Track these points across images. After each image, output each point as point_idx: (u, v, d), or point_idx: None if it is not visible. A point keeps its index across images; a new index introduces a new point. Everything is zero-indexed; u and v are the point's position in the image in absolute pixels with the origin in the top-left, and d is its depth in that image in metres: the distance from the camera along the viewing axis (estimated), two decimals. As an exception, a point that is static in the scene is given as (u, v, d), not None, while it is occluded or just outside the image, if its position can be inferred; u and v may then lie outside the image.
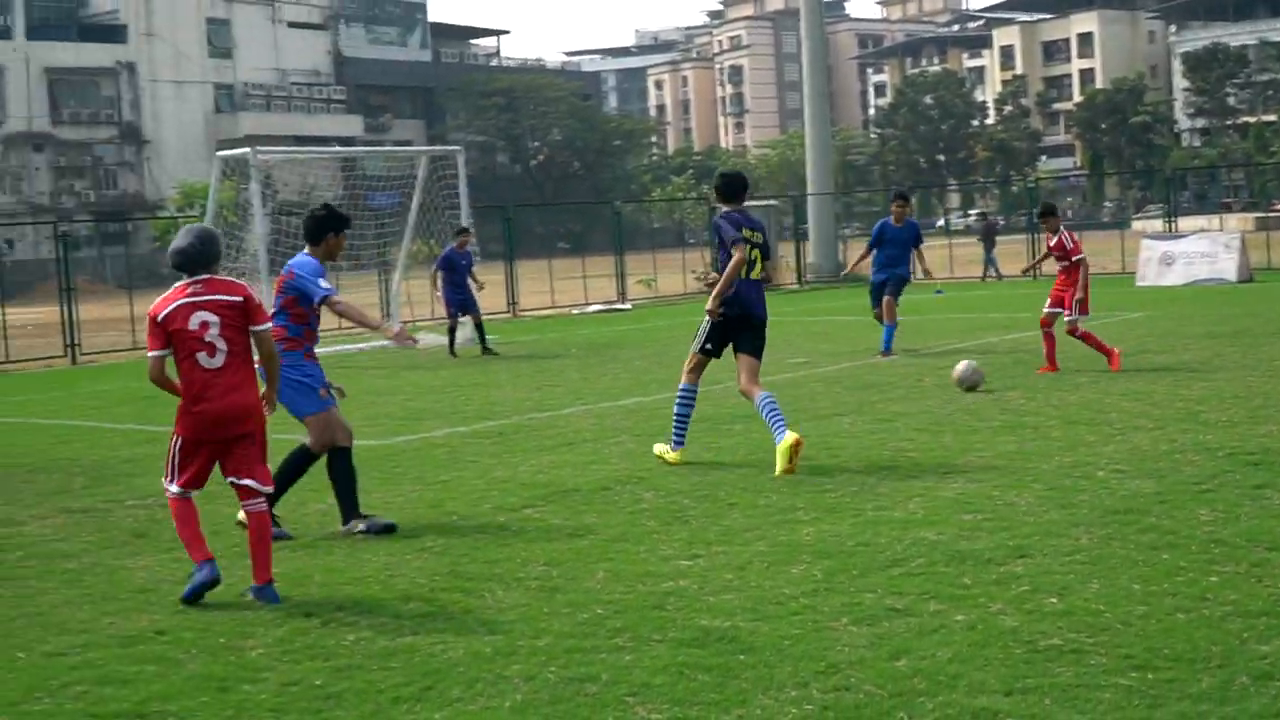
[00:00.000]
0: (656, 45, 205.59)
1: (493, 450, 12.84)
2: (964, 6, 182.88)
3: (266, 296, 25.09)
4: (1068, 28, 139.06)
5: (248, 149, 26.68)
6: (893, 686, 5.86)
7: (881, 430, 12.72)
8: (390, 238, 30.54)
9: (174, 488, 7.96)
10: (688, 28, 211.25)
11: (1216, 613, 6.61)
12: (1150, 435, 11.62)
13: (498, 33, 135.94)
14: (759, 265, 11.43)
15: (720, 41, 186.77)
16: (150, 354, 7.87)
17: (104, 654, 6.95)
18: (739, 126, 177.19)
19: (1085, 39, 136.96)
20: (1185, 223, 50.80)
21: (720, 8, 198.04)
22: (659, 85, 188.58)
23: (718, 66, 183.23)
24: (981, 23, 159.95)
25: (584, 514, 9.69)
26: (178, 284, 7.94)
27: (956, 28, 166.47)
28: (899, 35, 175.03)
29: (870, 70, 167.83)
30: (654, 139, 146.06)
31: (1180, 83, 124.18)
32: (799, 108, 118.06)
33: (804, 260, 44.51)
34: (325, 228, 9.64)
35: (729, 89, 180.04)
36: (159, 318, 7.84)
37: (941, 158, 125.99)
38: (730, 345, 11.46)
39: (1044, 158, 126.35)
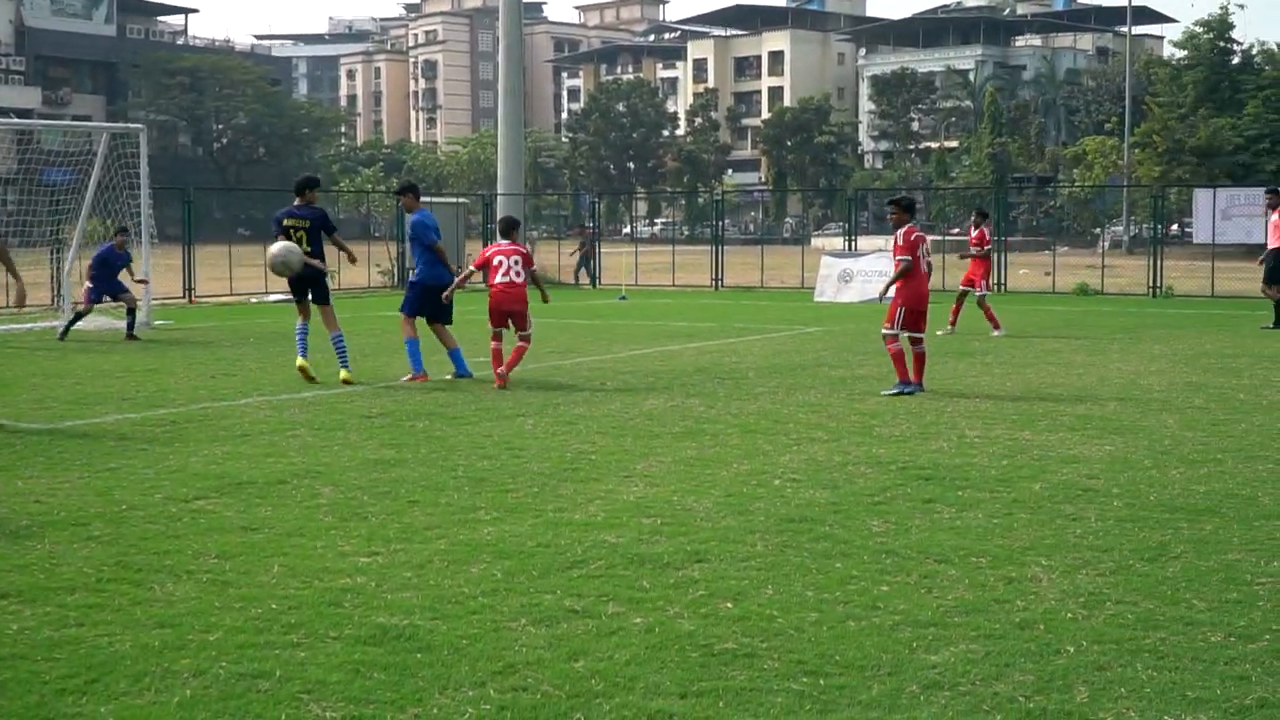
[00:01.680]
0: (350, 34, 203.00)
1: (165, 439, 12.40)
2: (660, 18, 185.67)
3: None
4: (760, 45, 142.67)
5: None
6: (570, 687, 5.85)
7: (564, 432, 12.75)
8: (65, 215, 29.32)
9: None
10: (383, 19, 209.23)
11: (887, 621, 6.79)
12: (826, 447, 11.93)
13: (186, 11, 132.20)
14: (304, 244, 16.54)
15: (416, 35, 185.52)
16: None
17: None
18: (431, 122, 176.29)
19: (776, 57, 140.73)
20: (864, 242, 52.35)
21: (417, 1, 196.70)
22: (351, 75, 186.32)
23: (412, 60, 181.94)
24: (677, 35, 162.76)
25: (259, 507, 9.43)
26: None
27: (652, 38, 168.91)
28: (595, 41, 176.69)
29: (565, 74, 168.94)
30: (343, 129, 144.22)
31: (866, 105, 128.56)
32: (492, 107, 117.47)
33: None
34: None
35: (422, 83, 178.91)
36: None
37: (631, 165, 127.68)
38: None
39: (730, 171, 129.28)
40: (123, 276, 23.91)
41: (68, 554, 8.08)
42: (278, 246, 16.45)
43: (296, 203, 17.02)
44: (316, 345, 17.25)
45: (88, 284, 23.81)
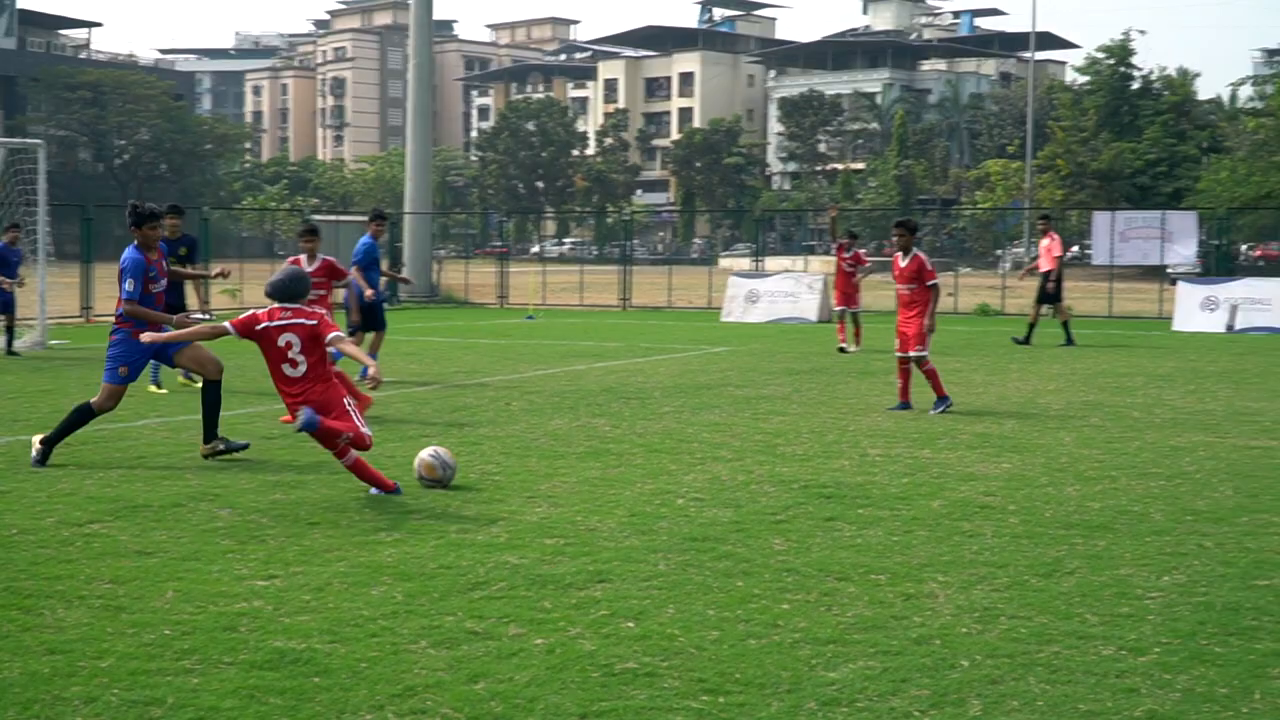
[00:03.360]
0: (257, 50, 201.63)
1: (58, 461, 12.18)
2: (572, 37, 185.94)
3: None
4: (670, 66, 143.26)
5: None
6: (470, 710, 5.80)
7: (468, 453, 12.68)
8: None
9: None
10: (291, 35, 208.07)
11: (787, 639, 6.81)
12: (729, 466, 11.96)
13: (89, 24, 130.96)
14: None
15: (324, 52, 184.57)
16: None
17: None
18: (338, 139, 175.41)
19: (687, 78, 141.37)
20: (771, 263, 52.64)
21: (326, 18, 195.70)
22: (257, 91, 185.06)
23: (320, 77, 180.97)
24: (588, 55, 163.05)
25: (154, 531, 9.28)
26: None
27: (564, 57, 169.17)
28: (506, 60, 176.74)
29: (475, 93, 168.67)
30: (248, 145, 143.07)
31: (775, 127, 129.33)
32: (401, 125, 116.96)
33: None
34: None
35: (330, 100, 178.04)
36: None
37: (540, 184, 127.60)
38: None
39: (640, 191, 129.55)
40: None
41: (-43, 579, 7.92)
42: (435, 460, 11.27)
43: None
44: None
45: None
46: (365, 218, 22.34)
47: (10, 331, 23.62)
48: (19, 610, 7.28)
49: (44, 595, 7.58)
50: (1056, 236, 27.64)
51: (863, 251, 25.78)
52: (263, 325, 10.45)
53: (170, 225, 16.14)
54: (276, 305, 10.60)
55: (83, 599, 7.52)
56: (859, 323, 25.33)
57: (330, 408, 10.37)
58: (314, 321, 10.48)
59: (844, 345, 24.56)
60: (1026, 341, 26.80)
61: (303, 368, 10.41)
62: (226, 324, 10.76)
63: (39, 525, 9.44)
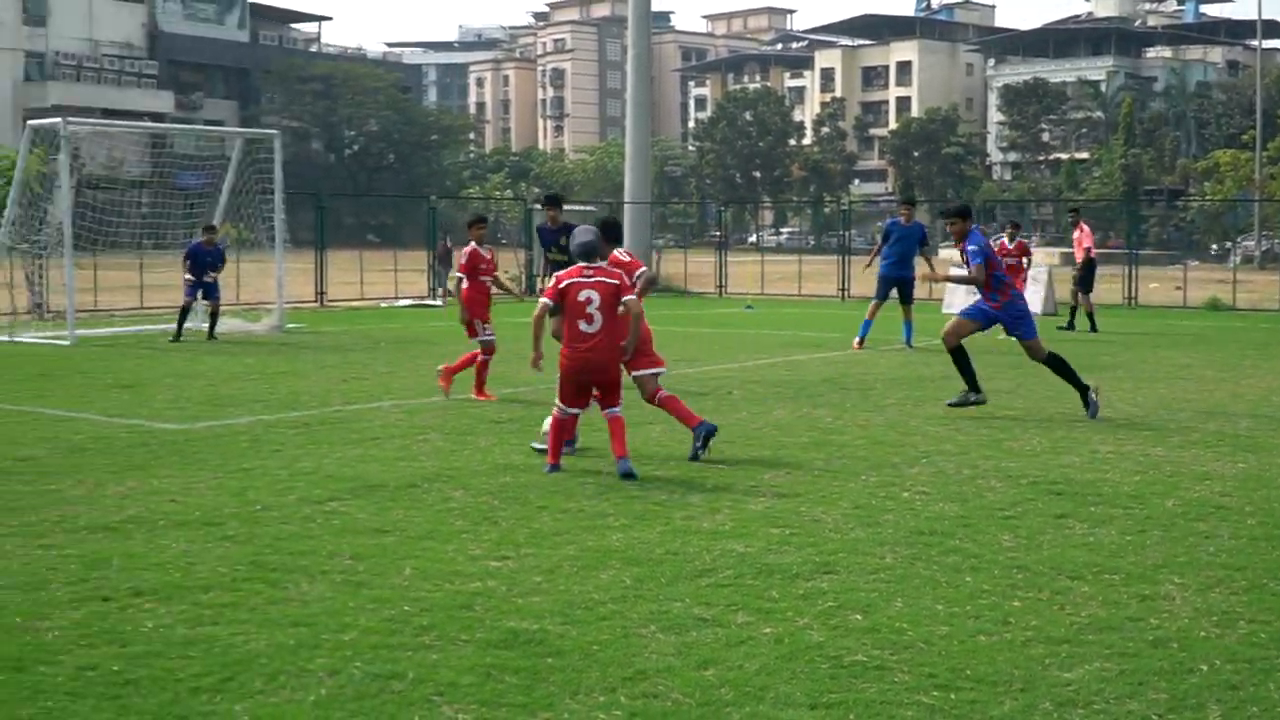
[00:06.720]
0: (480, 42, 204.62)
1: (298, 441, 12.60)
2: (788, 27, 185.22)
3: (69, 269, 24.49)
4: (888, 55, 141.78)
5: (58, 119, 25.88)
6: (700, 695, 5.86)
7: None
8: (198, 218, 29.94)
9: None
10: (512, 27, 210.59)
11: (1019, 637, 6.73)
12: (955, 460, 11.83)
13: (319, 18, 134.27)
14: None
15: (544, 43, 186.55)
16: None
17: (-114, 630, 6.67)
18: (558, 130, 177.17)
19: (904, 67, 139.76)
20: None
21: (545, 10, 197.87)
22: (480, 83, 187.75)
23: (540, 68, 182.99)
24: (804, 44, 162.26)
25: (391, 510, 9.55)
26: None
27: (780, 47, 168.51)
28: (723, 50, 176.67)
29: (692, 83, 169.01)
30: (472, 136, 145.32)
31: (995, 116, 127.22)
32: (619, 115, 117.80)
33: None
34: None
35: (550, 91, 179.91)
36: None
37: (758, 174, 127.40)
38: None
39: (857, 181, 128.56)
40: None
41: (203, 553, 8.24)
42: None
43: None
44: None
45: (187, 276, 24.44)
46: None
47: (214, 317, 24.76)
48: (264, 584, 7.55)
49: (288, 569, 7.84)
50: (1086, 228, 28.91)
51: (1026, 241, 26.10)
52: (566, 283, 11.07)
53: (550, 215, 16.39)
54: (580, 264, 11.18)
55: (325, 574, 7.77)
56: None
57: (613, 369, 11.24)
58: (616, 282, 11.15)
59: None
60: (1079, 328, 27.70)
61: (598, 323, 11.00)
62: (542, 299, 11.30)
63: (282, 502, 9.77)
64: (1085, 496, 10.21)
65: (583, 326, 11.00)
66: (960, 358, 14.94)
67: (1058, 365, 15.03)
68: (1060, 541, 8.76)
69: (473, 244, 15.98)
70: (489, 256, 16.09)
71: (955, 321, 15.27)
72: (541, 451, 11.58)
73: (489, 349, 15.80)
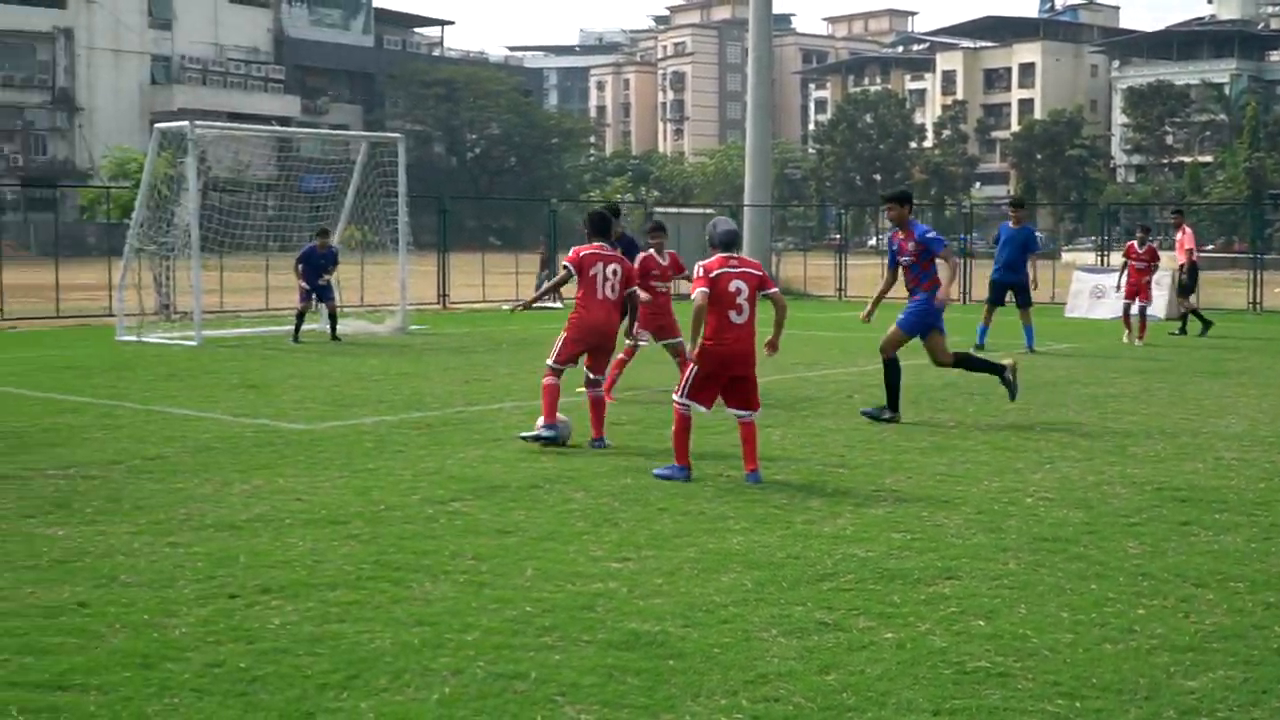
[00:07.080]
0: (600, 46, 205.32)
1: (421, 442, 12.74)
2: (909, 29, 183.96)
3: (196, 271, 24.94)
4: (1010, 57, 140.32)
5: (186, 122, 26.36)
6: (822, 700, 5.85)
7: (811, 444, 12.73)
8: (323, 221, 30.36)
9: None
10: (632, 31, 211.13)
11: (1144, 645, 6.65)
12: (1078, 466, 11.70)
13: (442, 23, 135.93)
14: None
15: (664, 47, 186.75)
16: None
17: (24, 623, 6.84)
18: (678, 133, 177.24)
19: (1027, 69, 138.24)
20: (1117, 257, 51.04)
21: (666, 13, 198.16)
22: (600, 86, 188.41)
23: (660, 72, 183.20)
24: (925, 46, 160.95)
25: (513, 510, 9.63)
26: None
27: (900, 49, 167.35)
28: (843, 53, 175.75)
29: (812, 85, 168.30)
30: (592, 139, 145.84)
31: (1119, 118, 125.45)
32: (739, 118, 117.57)
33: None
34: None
35: (670, 95, 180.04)
36: None
37: (878, 177, 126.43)
38: None
39: (979, 184, 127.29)
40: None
41: (328, 551, 8.36)
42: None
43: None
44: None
45: (300, 282, 24.76)
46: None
47: (333, 318, 25.11)
48: (389, 582, 7.65)
49: (411, 569, 7.94)
50: (1189, 230, 29.19)
51: (1155, 244, 26.14)
52: (716, 273, 10.89)
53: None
54: (721, 255, 11.04)
55: (447, 573, 7.85)
56: (1144, 316, 25.42)
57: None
58: (760, 272, 11.13)
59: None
60: (1184, 332, 27.68)
61: (746, 313, 10.94)
62: (699, 289, 10.87)
63: (405, 501, 9.89)
64: (1210, 503, 10.06)
65: (733, 317, 10.86)
66: (892, 371, 14.84)
67: (967, 362, 15.42)
68: (1185, 549, 8.63)
69: (651, 250, 15.75)
70: (664, 263, 15.76)
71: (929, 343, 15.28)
72: (530, 439, 12.44)
73: (630, 351, 15.83)
